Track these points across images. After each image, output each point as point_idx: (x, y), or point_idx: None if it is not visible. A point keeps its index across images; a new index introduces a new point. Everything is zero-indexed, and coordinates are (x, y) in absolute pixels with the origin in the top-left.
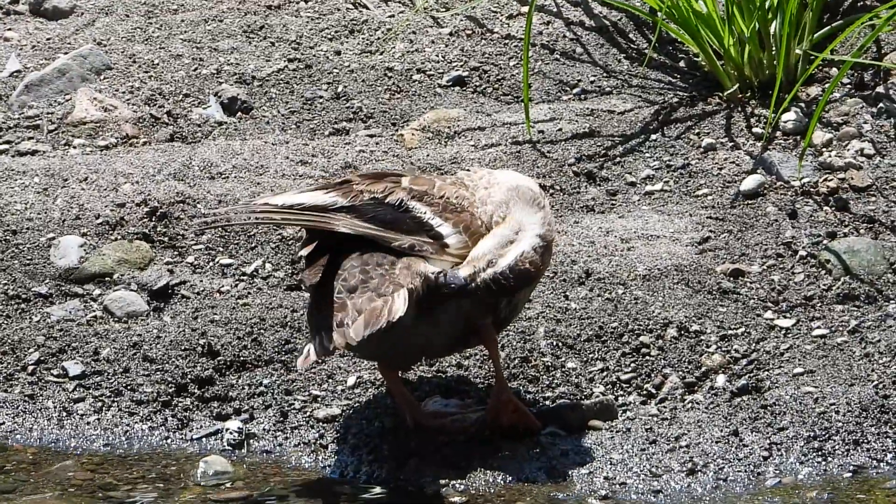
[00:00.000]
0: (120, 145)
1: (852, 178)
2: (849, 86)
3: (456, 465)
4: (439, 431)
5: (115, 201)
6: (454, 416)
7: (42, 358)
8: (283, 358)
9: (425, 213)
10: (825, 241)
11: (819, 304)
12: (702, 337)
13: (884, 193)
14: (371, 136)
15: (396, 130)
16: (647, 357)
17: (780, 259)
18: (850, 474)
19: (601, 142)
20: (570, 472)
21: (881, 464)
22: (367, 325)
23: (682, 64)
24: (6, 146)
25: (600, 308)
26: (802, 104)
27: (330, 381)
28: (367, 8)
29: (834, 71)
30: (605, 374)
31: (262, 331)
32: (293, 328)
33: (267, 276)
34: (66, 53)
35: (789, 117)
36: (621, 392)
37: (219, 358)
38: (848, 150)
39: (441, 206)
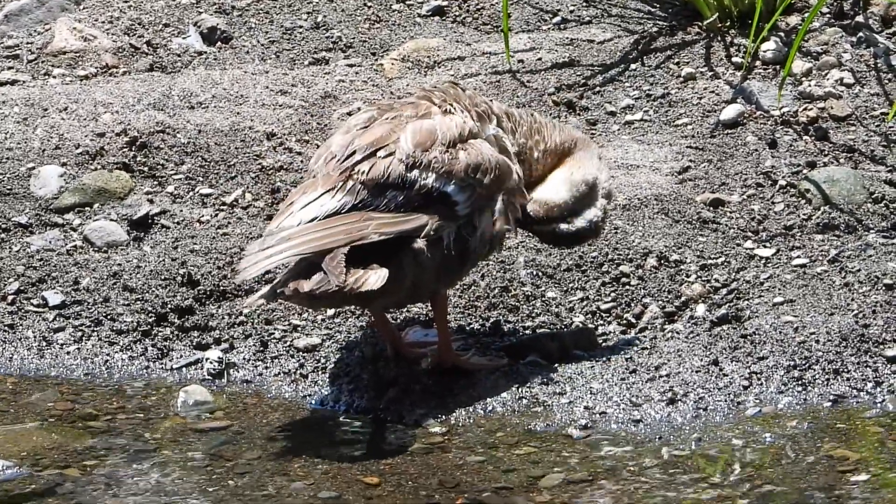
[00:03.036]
0: (99, 75)
1: (832, 108)
2: (828, 15)
3: (436, 394)
4: (419, 361)
5: (94, 131)
6: (434, 346)
7: (22, 287)
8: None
9: (427, 179)
10: (805, 171)
11: (799, 234)
12: (682, 266)
13: (863, 123)
14: (351, 65)
15: (376, 60)
16: (627, 287)
17: (759, 189)
18: (830, 404)
19: (581, 71)
20: (550, 402)
21: (861, 393)
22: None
23: None
24: None
25: None
26: (782, 33)
27: (310, 310)
28: None
29: (813, 0)
30: (585, 303)
31: (242, 260)
32: None
33: (247, 205)
34: None
35: (769, 46)
36: (601, 321)
37: (199, 287)
38: (827, 79)
39: (441, 161)
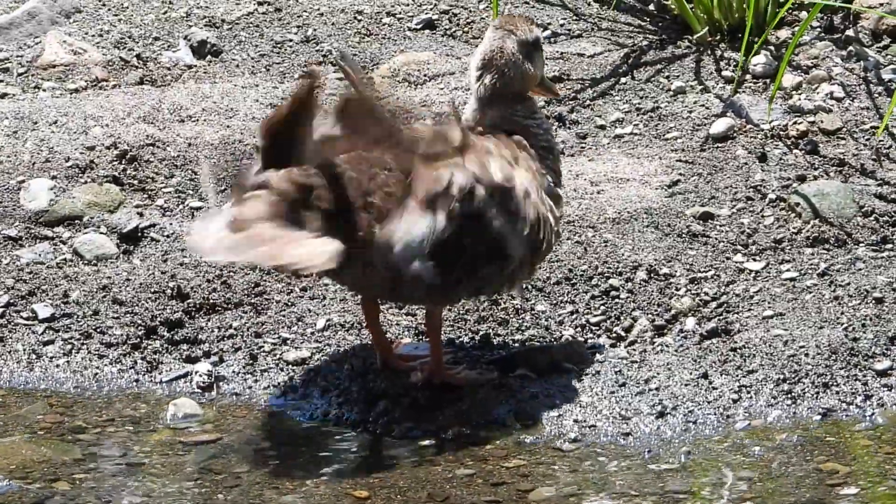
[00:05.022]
0: (89, 88)
1: (822, 122)
2: (819, 29)
3: (425, 407)
4: (408, 374)
5: (84, 144)
6: (423, 360)
7: (12, 300)
8: (252, 300)
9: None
10: (795, 185)
11: (788, 247)
12: (671, 280)
13: (853, 136)
14: (341, 79)
15: (366, 74)
16: (617, 300)
17: (749, 202)
18: (819, 417)
19: (571, 85)
20: (539, 415)
21: (850, 406)
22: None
23: (651, 7)
24: None
25: (570, 251)
26: (772, 47)
27: (300, 323)
28: None
29: (803, 14)
30: (574, 316)
31: (231, 273)
32: (263, 271)
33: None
34: None
35: (759, 60)
36: (591, 335)
37: (188, 300)
38: (818, 93)
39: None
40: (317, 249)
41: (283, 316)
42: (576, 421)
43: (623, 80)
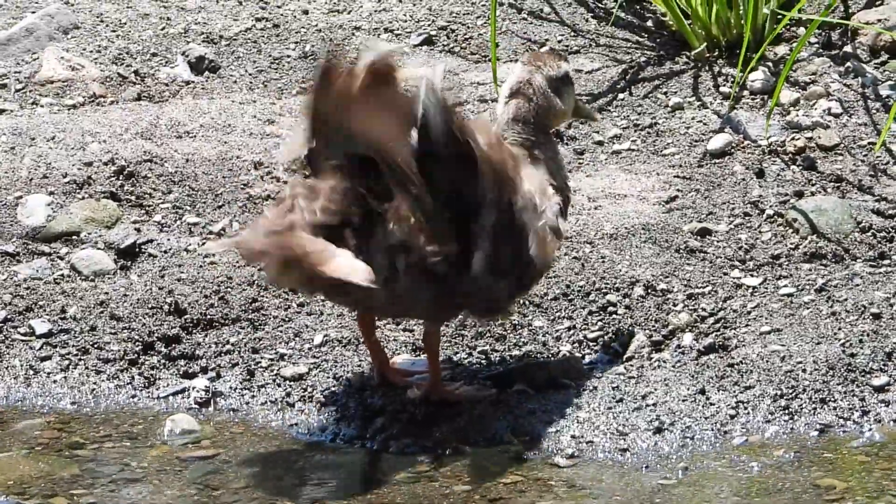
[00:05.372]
0: (87, 104)
1: (819, 138)
2: (816, 45)
3: (423, 423)
4: (405, 389)
5: (82, 160)
6: (421, 375)
7: (9, 316)
8: (250, 316)
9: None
10: (792, 200)
11: (786, 263)
12: (669, 295)
13: (851, 152)
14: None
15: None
16: (614, 315)
17: (747, 218)
18: (816, 433)
19: None
20: (537, 431)
21: (848, 422)
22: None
23: (649, 23)
24: None
25: (567, 267)
26: (770, 63)
27: (297, 339)
28: None
29: (801, 30)
30: (572, 332)
31: (228, 289)
32: (260, 286)
33: (234, 234)
34: (33, 12)
35: (757, 76)
36: (588, 350)
37: (186, 316)
38: (815, 109)
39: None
40: (356, 265)
41: (281, 331)
42: (573, 437)
43: (621, 95)
